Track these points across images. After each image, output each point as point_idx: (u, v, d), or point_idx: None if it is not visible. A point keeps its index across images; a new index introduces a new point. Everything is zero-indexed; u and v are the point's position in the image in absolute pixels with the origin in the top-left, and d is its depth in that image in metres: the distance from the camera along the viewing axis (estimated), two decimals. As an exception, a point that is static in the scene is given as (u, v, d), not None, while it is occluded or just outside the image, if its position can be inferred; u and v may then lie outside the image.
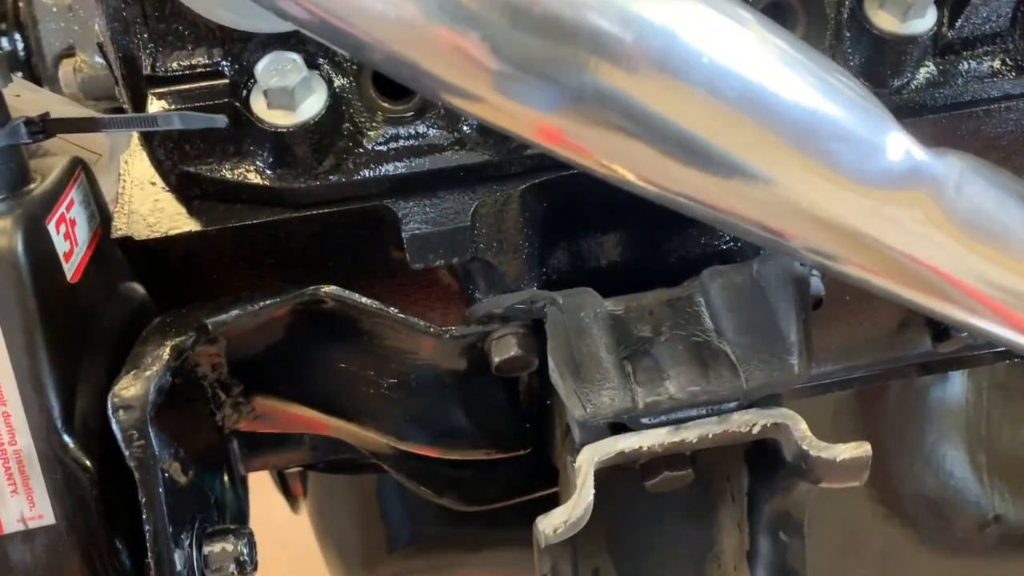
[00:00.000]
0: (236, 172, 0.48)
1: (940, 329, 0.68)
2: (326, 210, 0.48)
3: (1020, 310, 0.41)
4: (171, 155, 0.47)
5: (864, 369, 0.70)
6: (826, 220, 0.37)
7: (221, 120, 0.44)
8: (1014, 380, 0.80)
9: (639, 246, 0.55)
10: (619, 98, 0.33)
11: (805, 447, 0.47)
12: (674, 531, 0.59)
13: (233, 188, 0.48)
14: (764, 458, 0.54)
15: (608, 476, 0.56)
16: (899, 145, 0.36)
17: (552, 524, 0.46)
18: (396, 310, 0.47)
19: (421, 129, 0.48)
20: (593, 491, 0.44)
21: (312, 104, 0.46)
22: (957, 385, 0.80)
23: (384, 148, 0.48)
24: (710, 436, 0.46)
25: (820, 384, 0.70)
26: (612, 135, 0.34)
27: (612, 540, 0.59)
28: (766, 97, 0.34)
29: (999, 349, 0.72)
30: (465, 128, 0.48)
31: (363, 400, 0.52)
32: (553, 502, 0.51)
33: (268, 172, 0.47)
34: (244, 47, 0.46)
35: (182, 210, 0.49)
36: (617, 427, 0.47)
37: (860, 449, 0.46)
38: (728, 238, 0.55)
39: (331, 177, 0.47)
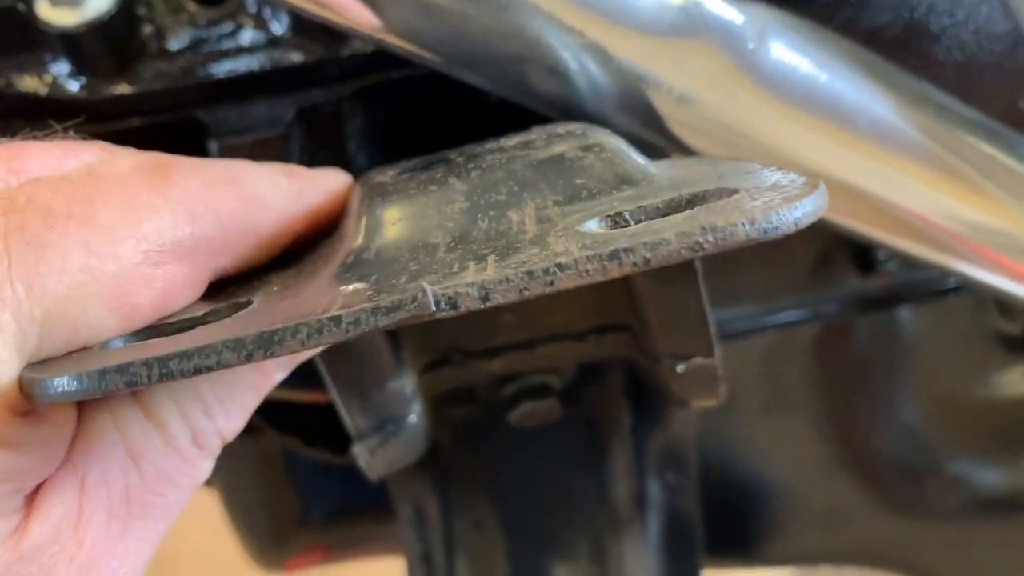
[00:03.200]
0: (32, 85, 0.45)
1: (866, 262, 0.63)
2: (134, 122, 0.45)
3: (845, 195, 0.37)
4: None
5: (790, 311, 0.66)
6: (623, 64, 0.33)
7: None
8: (971, 324, 0.74)
9: None
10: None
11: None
12: (564, 481, 0.54)
13: (34, 103, 0.45)
14: (642, 395, 0.50)
15: (479, 420, 0.52)
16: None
17: None
18: None
19: (231, 30, 0.45)
20: None
21: (99, 1, 0.43)
22: (917, 328, 0.75)
23: (191, 53, 0.45)
24: None
25: (739, 329, 0.65)
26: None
27: (496, 492, 0.55)
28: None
29: (939, 287, 0.68)
30: (278, 29, 0.45)
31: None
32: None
33: (66, 83, 0.44)
34: (27, -56, 0.43)
35: None
36: None
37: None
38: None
39: (133, 85, 0.44)
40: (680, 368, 0.41)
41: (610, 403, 0.52)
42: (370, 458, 0.42)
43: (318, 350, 0.35)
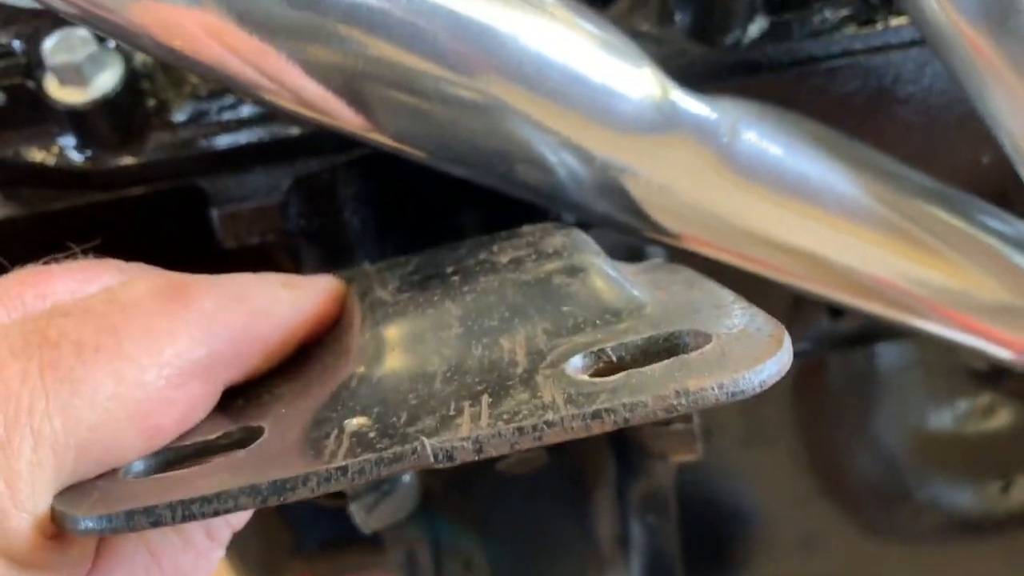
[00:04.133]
0: (39, 155, 0.47)
1: (835, 305, 0.66)
2: (135, 191, 0.47)
3: (814, 265, 0.39)
4: (-28, 140, 0.47)
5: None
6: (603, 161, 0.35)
7: (-3, 95, 0.43)
8: (940, 359, 0.77)
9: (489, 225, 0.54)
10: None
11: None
12: (550, 521, 0.57)
13: (40, 172, 0.47)
14: (624, 449, 0.53)
15: (472, 469, 0.54)
16: (651, 88, 0.34)
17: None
18: None
19: (231, 103, 0.47)
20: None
21: (105, 80, 0.45)
22: (889, 362, 0.77)
23: (192, 125, 0.47)
24: None
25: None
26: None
27: (485, 531, 0.57)
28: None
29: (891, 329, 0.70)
30: (276, 102, 0.47)
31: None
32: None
33: (72, 154, 0.46)
34: (37, 26, 0.45)
35: None
36: None
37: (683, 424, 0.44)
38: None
39: (137, 156, 0.46)
40: (659, 431, 0.44)
41: (594, 454, 0.54)
42: (365, 516, 0.45)
43: None
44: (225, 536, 0.34)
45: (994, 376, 0.74)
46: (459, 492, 0.55)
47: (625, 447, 0.51)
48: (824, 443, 0.76)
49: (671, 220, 0.37)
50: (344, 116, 0.33)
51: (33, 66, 0.45)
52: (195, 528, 0.33)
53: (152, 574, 0.32)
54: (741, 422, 0.75)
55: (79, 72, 0.44)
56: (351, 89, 0.32)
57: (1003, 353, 0.47)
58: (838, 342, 0.68)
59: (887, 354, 0.75)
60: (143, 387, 0.29)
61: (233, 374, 0.32)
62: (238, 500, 0.25)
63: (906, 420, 0.78)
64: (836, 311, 0.65)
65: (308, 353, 0.34)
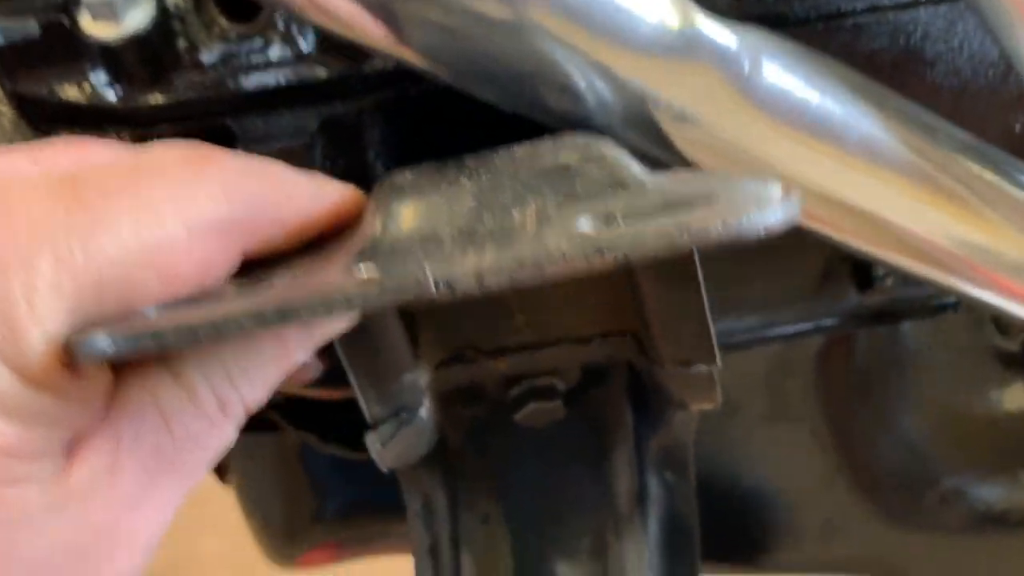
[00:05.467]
0: (72, 92, 0.47)
1: (864, 278, 0.65)
2: (166, 129, 0.48)
3: (830, 209, 0.39)
4: (10, 75, 0.47)
5: (788, 324, 0.68)
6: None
7: (32, 26, 0.44)
8: (969, 340, 0.76)
9: None
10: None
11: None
12: (568, 479, 0.57)
13: (73, 110, 0.48)
14: (643, 398, 0.53)
15: (487, 418, 0.55)
16: (674, 12, 0.34)
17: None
18: None
19: (260, 46, 0.48)
20: None
21: (137, 16, 0.45)
22: (916, 343, 0.77)
23: (222, 66, 0.48)
24: None
25: (742, 340, 0.67)
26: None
27: (502, 488, 0.57)
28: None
29: (938, 303, 0.70)
30: (304, 46, 0.48)
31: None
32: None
33: (104, 91, 0.47)
34: (74, -38, 0.46)
35: (29, 135, 0.49)
36: None
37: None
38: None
39: (167, 95, 0.47)
40: (681, 373, 0.44)
41: (613, 405, 0.54)
42: (381, 449, 0.45)
43: (337, 330, 0.37)
44: (238, 412, 0.35)
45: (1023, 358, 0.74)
46: (478, 447, 0.55)
47: (644, 397, 0.51)
48: (848, 424, 0.76)
49: (695, 151, 0.37)
50: (372, 30, 0.34)
51: (70, 2, 0.46)
52: (207, 395, 0.34)
53: (161, 435, 0.33)
54: (765, 399, 0.75)
55: (112, 8, 0.45)
56: (380, 2, 0.33)
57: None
58: (866, 318, 0.67)
59: (914, 335, 0.74)
60: (164, 234, 0.30)
61: (251, 241, 0.33)
62: (242, 324, 0.25)
63: (933, 404, 0.78)
64: (864, 283, 0.65)
65: (325, 246, 0.35)
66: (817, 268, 0.65)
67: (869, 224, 0.44)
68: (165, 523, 0.35)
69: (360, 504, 0.77)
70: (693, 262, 0.39)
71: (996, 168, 0.47)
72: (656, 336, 0.43)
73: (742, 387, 0.75)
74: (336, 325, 0.36)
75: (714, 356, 0.43)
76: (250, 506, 0.78)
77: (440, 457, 0.53)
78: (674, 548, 0.55)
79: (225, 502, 0.80)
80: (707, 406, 0.47)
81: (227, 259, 0.32)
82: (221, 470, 0.79)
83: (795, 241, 0.64)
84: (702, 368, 0.43)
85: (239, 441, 0.77)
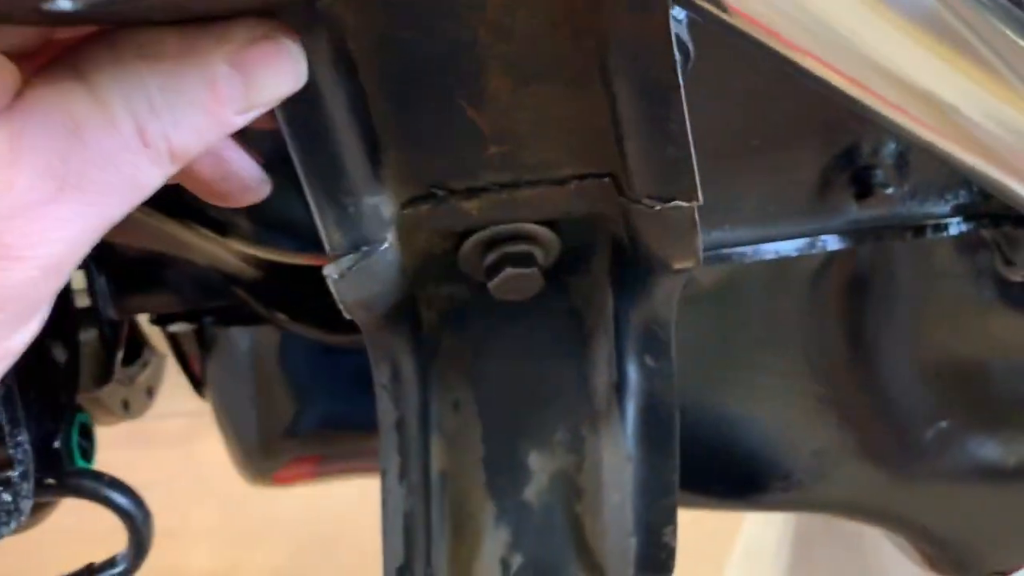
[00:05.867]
0: None
1: (863, 186, 0.63)
2: None
3: (856, 63, 0.37)
4: None
5: (787, 240, 0.65)
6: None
7: None
8: (954, 264, 0.74)
9: None
10: None
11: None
12: (544, 368, 0.55)
13: None
14: (624, 270, 0.51)
15: (468, 303, 0.53)
16: None
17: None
18: None
19: None
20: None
21: None
22: (915, 270, 0.74)
23: None
24: None
25: (735, 252, 0.65)
26: None
27: (477, 376, 0.55)
28: None
29: (936, 220, 0.67)
30: None
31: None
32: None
33: None
34: None
35: None
36: None
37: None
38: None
39: None
40: (659, 208, 0.41)
41: (593, 288, 0.52)
42: (340, 281, 0.42)
43: (274, 92, 0.34)
44: (161, 147, 0.32)
45: (1028, 290, 0.71)
46: (453, 329, 0.53)
47: (625, 269, 0.49)
48: (840, 352, 0.73)
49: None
50: None
51: None
52: (124, 116, 0.31)
53: (71, 141, 0.31)
54: (758, 322, 0.72)
55: None
56: None
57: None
58: (864, 233, 0.65)
59: (913, 261, 0.72)
60: None
61: None
62: None
63: (929, 339, 0.75)
64: (863, 192, 0.62)
65: None
66: (814, 176, 0.63)
67: (894, 84, 0.41)
68: (69, 245, 0.32)
69: (339, 417, 0.75)
70: (674, 69, 0.36)
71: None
72: (634, 167, 0.40)
73: (735, 310, 0.72)
74: (270, 80, 0.34)
75: (695, 191, 0.41)
76: (225, 419, 0.76)
77: (411, 324, 0.51)
78: (652, 438, 0.53)
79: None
80: (688, 263, 0.45)
81: None
82: (197, 382, 0.78)
83: (791, 143, 0.62)
84: (682, 205, 0.41)
85: (216, 344, 0.76)
